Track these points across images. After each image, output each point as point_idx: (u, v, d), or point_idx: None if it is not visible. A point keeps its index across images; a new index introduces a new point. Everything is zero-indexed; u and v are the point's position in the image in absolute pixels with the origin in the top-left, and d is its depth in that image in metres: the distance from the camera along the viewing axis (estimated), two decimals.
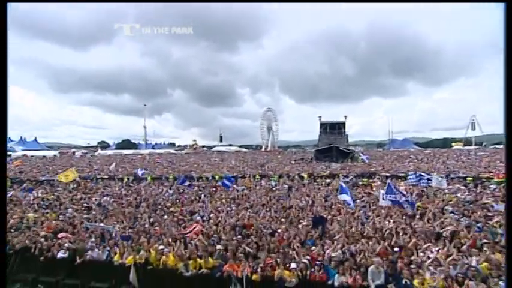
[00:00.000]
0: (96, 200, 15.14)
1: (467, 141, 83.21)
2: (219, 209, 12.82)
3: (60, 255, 7.93)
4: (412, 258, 6.81)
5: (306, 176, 27.11)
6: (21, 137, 78.65)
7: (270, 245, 8.05)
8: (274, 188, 19.85)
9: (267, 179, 27.01)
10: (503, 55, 4.02)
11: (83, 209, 13.05)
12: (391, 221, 9.73)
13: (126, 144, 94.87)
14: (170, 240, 8.52)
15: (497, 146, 57.70)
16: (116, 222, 10.54)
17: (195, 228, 8.89)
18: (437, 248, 7.15)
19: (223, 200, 15.11)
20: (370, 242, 7.83)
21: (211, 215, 11.53)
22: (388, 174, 25.98)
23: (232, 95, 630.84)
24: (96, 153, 68.42)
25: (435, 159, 40.08)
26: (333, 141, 50.67)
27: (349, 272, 6.43)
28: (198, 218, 11.04)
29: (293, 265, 6.66)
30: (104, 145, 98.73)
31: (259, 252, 7.69)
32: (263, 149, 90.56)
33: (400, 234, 8.21)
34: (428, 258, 6.72)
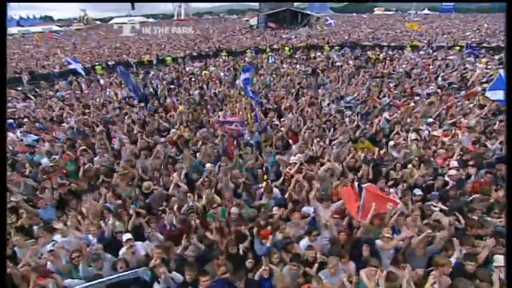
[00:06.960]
0: None
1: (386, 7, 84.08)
2: None
3: None
4: None
5: (287, 49, 21.52)
6: None
7: None
8: (281, 70, 14.38)
9: (240, 57, 20.53)
10: (504, 54, 3.76)
11: None
12: None
13: None
14: None
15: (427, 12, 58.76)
16: None
17: None
18: None
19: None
20: None
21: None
22: (384, 44, 22.06)
23: None
24: None
25: (395, 25, 37.28)
26: (278, 5, 42.54)
27: None
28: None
29: None
30: None
31: None
32: (175, 18, 72.89)
33: None
34: None
